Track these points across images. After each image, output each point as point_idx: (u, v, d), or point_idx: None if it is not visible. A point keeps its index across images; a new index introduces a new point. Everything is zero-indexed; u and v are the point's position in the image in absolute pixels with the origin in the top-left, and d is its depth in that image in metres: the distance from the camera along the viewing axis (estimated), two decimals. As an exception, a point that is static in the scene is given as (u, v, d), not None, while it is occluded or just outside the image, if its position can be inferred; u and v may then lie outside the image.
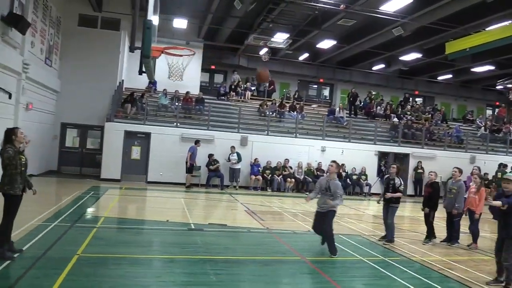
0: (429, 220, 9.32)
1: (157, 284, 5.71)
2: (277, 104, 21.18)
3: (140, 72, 7.97)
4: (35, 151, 16.33)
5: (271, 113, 20.14)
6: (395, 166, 9.18)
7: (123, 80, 19.27)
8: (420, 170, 19.47)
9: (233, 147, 17.08)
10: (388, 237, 9.00)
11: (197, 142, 16.66)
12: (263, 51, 22.61)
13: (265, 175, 17.58)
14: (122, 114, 17.55)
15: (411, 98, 27.83)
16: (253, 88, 23.88)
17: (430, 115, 24.70)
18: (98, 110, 18.14)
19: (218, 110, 20.00)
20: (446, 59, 22.03)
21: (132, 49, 6.97)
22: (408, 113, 23.77)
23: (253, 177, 17.37)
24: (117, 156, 16.53)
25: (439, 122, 24.13)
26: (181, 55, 9.46)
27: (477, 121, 25.37)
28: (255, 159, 17.53)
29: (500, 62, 22.08)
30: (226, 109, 20.55)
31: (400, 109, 24.12)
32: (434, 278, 6.81)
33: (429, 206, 9.30)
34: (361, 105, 23.82)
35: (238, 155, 16.96)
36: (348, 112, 22.57)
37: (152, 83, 20.79)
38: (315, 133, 19.71)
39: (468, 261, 8.22)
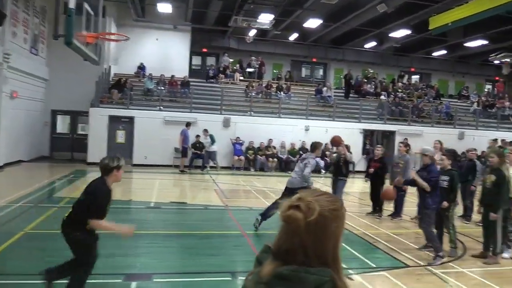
0: (378, 194, 9.52)
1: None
2: (264, 85, 21.32)
3: (84, 59, 8.34)
4: (25, 138, 17.01)
5: (255, 94, 20.32)
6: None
7: (110, 66, 19.66)
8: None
9: (205, 130, 17.15)
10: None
11: (188, 124, 16.77)
12: (252, 33, 22.66)
13: (248, 155, 17.89)
14: (108, 100, 18.01)
15: (406, 76, 27.53)
16: (250, 70, 23.92)
17: (423, 92, 24.47)
18: (87, 96, 18.54)
19: (204, 93, 20.30)
20: (438, 35, 21.78)
21: (55, 36, 7.29)
22: (400, 90, 23.61)
23: (236, 157, 17.71)
24: (102, 141, 17.05)
25: (431, 99, 23.89)
26: (117, 40, 9.68)
27: (471, 97, 25.02)
28: (237, 138, 17.79)
29: (492, 37, 21.66)
30: (213, 91, 20.77)
31: (391, 87, 23.95)
32: (362, 249, 7.08)
33: (379, 181, 9.50)
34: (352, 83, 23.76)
35: (212, 137, 17.07)
36: (344, 93, 22.64)
37: (141, 68, 21.17)
38: (301, 113, 19.85)
39: (411, 234, 8.42)
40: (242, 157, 17.81)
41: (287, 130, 18.49)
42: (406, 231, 8.72)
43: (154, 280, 5.38)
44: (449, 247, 7.07)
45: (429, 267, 6.37)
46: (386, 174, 9.60)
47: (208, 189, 12.90)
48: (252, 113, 18.87)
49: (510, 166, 7.35)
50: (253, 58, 23.84)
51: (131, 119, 17.40)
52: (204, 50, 25.11)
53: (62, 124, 19.65)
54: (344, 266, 5.54)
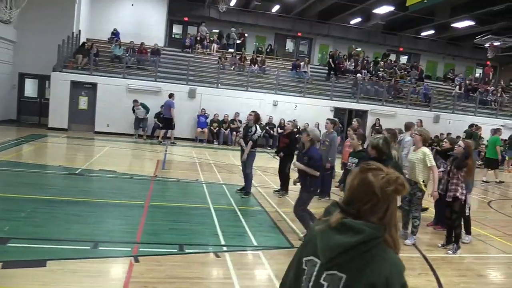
0: (284, 172, 9.26)
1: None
2: (237, 57, 20.89)
3: None
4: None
5: (228, 66, 19.92)
6: (252, 113, 8.91)
7: (80, 31, 19.31)
8: (377, 127, 19.09)
9: (135, 100, 16.59)
10: (247, 189, 8.88)
11: (171, 95, 16.24)
12: (232, 2, 22.07)
13: (212, 128, 17.68)
14: (74, 65, 17.76)
15: (394, 55, 26.81)
16: (230, 43, 23.35)
17: (406, 72, 23.85)
18: (55, 60, 18.33)
19: (176, 62, 19.94)
20: (425, 14, 21.07)
21: None
22: (381, 69, 23.02)
23: (199, 129, 17.51)
24: (64, 106, 16.92)
25: (413, 80, 23.28)
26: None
27: (456, 80, 24.35)
28: (202, 109, 17.55)
29: (480, 18, 20.87)
30: (185, 61, 20.33)
31: (372, 65, 23.35)
32: (257, 227, 6.90)
33: (287, 157, 9.24)
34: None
35: (145, 106, 16.59)
36: (327, 73, 22.10)
37: (115, 34, 20.79)
38: (272, 87, 19.45)
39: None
40: (206, 130, 17.59)
41: (253, 105, 18.11)
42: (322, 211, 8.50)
43: (9, 244, 5.25)
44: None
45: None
46: (295, 151, 9.25)
47: (152, 159, 12.72)
48: (219, 85, 18.52)
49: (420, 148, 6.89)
50: (233, 29, 23.30)
51: (94, 86, 17.18)
52: (186, 19, 24.58)
53: (31, 88, 19.47)
54: (222, 242, 5.24)
